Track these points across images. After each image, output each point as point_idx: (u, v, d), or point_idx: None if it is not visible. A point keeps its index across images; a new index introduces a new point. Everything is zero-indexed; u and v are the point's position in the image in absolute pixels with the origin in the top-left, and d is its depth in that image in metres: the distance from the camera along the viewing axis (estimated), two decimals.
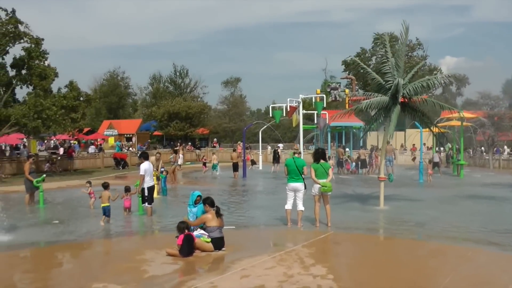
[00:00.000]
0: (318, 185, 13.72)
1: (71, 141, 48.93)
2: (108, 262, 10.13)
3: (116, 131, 63.22)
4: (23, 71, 33.52)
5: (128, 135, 64.43)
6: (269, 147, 41.11)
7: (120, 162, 39.02)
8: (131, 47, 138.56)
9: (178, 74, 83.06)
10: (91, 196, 17.51)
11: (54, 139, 51.95)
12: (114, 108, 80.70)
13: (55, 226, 14.31)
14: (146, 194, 15.54)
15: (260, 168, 36.87)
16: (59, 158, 37.93)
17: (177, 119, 59.11)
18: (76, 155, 40.02)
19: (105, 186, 15.71)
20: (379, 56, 70.08)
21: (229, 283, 8.42)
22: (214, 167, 32.76)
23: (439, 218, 15.38)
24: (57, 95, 32.83)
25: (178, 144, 47.31)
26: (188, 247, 10.40)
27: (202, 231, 10.96)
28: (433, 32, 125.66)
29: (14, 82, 33.68)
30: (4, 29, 31.77)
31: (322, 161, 13.99)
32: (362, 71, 71.21)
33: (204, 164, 33.84)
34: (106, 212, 14.69)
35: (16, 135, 40.68)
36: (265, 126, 38.15)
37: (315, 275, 8.87)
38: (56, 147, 48.83)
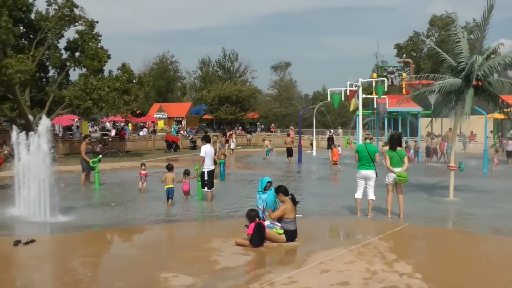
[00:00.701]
0: (393, 174, 12.74)
1: (122, 124, 49.03)
2: (175, 250, 9.47)
3: (165, 114, 63.48)
4: (77, 54, 33.56)
5: (177, 119, 64.52)
6: (328, 132, 39.53)
7: (171, 145, 38.72)
8: (180, 32, 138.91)
9: (227, 58, 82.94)
10: (142, 179, 16.89)
11: (106, 120, 52.21)
12: (163, 92, 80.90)
13: (114, 209, 13.88)
14: (206, 178, 14.89)
15: (314, 154, 35.78)
16: (110, 139, 37.96)
17: (227, 103, 58.50)
18: (128, 137, 39.96)
19: (169, 168, 15.25)
20: (436, 38, 68.15)
21: (309, 278, 7.64)
22: (267, 152, 32.19)
23: None
24: (109, 77, 32.70)
25: (226, 129, 46.75)
26: (259, 237, 9.68)
27: (275, 222, 10.20)
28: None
29: (68, 64, 33.73)
30: (60, 13, 31.75)
31: (398, 148, 13.02)
32: (416, 55, 70.41)
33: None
34: (170, 194, 14.34)
35: (68, 116, 41.10)
36: (314, 110, 36.79)
37: (401, 272, 8.00)
38: (107, 129, 49.17)
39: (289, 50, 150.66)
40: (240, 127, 52.45)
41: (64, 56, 33.66)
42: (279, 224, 10.10)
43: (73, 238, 10.53)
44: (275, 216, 10.20)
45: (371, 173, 12.97)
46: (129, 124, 54.28)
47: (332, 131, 41.41)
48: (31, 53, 30.21)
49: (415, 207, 14.26)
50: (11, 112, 32.29)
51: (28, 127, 28.99)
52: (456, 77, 16.38)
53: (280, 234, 9.98)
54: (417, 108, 35.98)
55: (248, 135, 49.68)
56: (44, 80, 35.86)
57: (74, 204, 13.82)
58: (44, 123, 12.45)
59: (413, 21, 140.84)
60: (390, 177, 12.84)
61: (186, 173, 15.68)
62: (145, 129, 47.76)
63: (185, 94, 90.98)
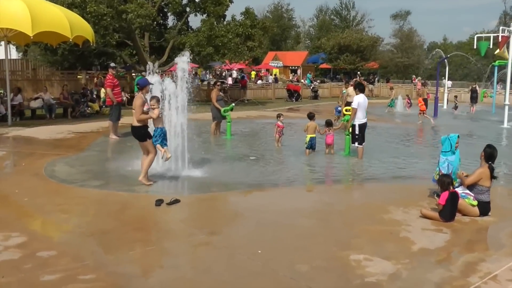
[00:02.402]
0: None
1: (242, 72, 47.69)
2: (352, 221, 7.52)
3: (281, 62, 61.61)
4: None
5: (293, 67, 62.59)
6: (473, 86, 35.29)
7: (293, 94, 36.94)
8: None
9: (344, 6, 79.52)
10: (278, 132, 14.95)
11: (223, 68, 51.19)
12: (277, 40, 78.98)
13: (254, 163, 12.27)
14: (357, 132, 12.88)
15: (445, 107, 32.30)
16: (228, 87, 36.73)
17: (347, 52, 55.48)
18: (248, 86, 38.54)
19: (311, 116, 13.83)
20: None
21: None
22: (391, 104, 29.48)
23: None
24: (232, 22, 31.13)
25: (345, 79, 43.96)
26: (451, 209, 7.64)
27: (467, 191, 8.09)
28: None
29: (188, 10, 32.55)
30: None
31: None
32: None
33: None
34: (313, 144, 13.31)
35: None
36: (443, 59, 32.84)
37: None
38: (223, 77, 48.11)
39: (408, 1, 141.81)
40: (362, 77, 49.31)
41: (184, 1, 32.38)
42: (472, 194, 8.02)
43: (220, 198, 9.02)
44: (469, 182, 8.12)
45: None
46: (252, 72, 52.85)
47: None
48: None
49: None
50: (130, 58, 31.86)
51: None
52: None
53: (474, 206, 7.92)
54: None
55: (370, 86, 46.68)
56: (163, 27, 35.10)
57: (209, 157, 12.31)
58: (182, 65, 10.89)
59: None
60: None
61: (329, 123, 13.82)
62: (259, 81, 45.85)
63: (298, 43, 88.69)
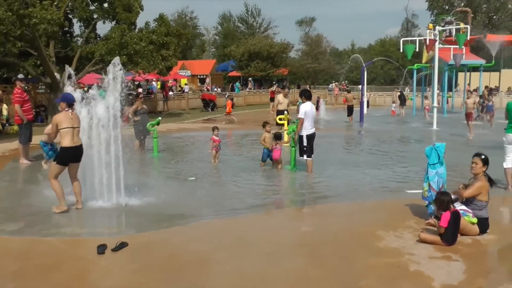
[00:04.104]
0: None
1: (153, 82, 45.27)
2: (349, 256, 6.19)
3: (189, 72, 59.97)
4: (105, 5, 29.87)
5: (201, 76, 61.08)
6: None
7: (209, 104, 35.47)
8: None
9: (250, 13, 79.22)
10: (215, 147, 13.42)
11: (131, 79, 48.53)
12: (183, 49, 77.01)
13: (196, 185, 10.74)
14: (305, 143, 11.74)
15: (365, 111, 32.17)
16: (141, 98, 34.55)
17: (258, 59, 54.61)
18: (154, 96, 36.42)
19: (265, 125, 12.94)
20: None
21: None
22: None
23: None
24: (145, 30, 29.18)
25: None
26: (454, 231, 6.64)
27: (464, 207, 7.13)
28: None
29: (96, 16, 30.16)
30: None
31: None
32: (448, 8, 66.22)
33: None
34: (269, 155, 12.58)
35: (93, 75, 37.73)
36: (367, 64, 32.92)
37: None
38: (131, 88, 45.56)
39: (313, 7, 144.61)
40: (277, 84, 48.62)
41: (91, 7, 29.94)
42: (470, 211, 7.06)
43: (177, 234, 7.29)
44: (468, 195, 7.23)
45: None
46: (159, 82, 50.58)
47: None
48: (55, 3, 26.61)
49: None
50: (34, 69, 28.97)
51: (54, 86, 25.87)
52: None
53: (474, 223, 7.02)
54: (479, 61, 32.73)
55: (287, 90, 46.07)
56: (68, 35, 32.40)
57: (144, 180, 10.60)
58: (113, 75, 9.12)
59: None
60: None
61: (278, 137, 12.60)
62: (170, 92, 43.74)
63: (204, 51, 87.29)
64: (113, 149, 8.73)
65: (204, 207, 8.84)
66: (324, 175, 11.63)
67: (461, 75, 36.19)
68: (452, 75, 34.15)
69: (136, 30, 29.58)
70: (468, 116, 19.31)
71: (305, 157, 11.83)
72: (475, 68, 35.47)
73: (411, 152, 15.45)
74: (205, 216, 8.26)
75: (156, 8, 59.16)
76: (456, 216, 6.67)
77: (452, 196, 7.04)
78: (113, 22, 29.52)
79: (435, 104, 22.44)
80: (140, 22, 30.19)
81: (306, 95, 12.10)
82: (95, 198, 8.78)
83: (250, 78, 55.45)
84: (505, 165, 10.01)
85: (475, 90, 37.58)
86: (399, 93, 31.77)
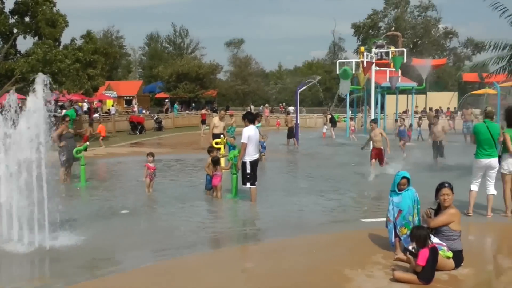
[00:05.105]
0: None
1: (78, 103, 43.16)
2: None
3: (115, 93, 58.15)
4: (26, 18, 28.04)
5: (128, 98, 59.40)
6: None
7: (136, 126, 34.03)
8: (125, 9, 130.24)
9: (177, 34, 78.36)
10: (149, 175, 12.31)
11: (55, 99, 46.18)
12: (109, 69, 74.82)
13: (133, 220, 9.68)
14: (248, 170, 10.92)
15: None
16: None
17: (186, 80, 53.51)
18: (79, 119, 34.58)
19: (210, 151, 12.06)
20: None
21: None
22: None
23: None
24: (71, 46, 27.53)
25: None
26: (432, 268, 6.11)
27: (438, 240, 6.59)
28: None
29: (16, 31, 28.21)
30: None
31: None
32: (373, 33, 68.30)
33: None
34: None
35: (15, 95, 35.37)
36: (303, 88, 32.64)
37: None
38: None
39: (240, 29, 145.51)
40: (207, 106, 47.66)
41: (11, 21, 27.92)
42: (444, 244, 6.51)
43: (116, 284, 6.25)
44: (437, 224, 6.74)
45: (494, 161, 9.72)
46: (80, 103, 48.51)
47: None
48: None
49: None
50: None
51: None
52: None
53: (449, 258, 6.48)
54: (411, 83, 33.39)
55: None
56: None
57: (69, 215, 9.21)
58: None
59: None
60: (511, 164, 9.66)
61: (215, 161, 11.73)
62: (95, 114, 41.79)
63: (130, 72, 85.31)
64: (35, 178, 7.53)
65: (142, 247, 7.84)
66: (269, 204, 10.93)
67: (388, 97, 36.70)
68: (380, 97, 34.54)
69: (61, 47, 27.85)
70: (434, 145, 17.27)
71: (248, 185, 11.00)
72: (402, 91, 36.13)
73: (353, 176, 15.00)
74: (144, 259, 7.25)
75: (80, 26, 57.23)
76: (434, 252, 6.15)
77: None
78: (36, 38, 27.75)
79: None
80: (64, 39, 28.36)
81: (249, 118, 11.30)
82: (12, 240, 7.54)
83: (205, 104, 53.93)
84: (472, 188, 9.83)
85: (405, 112, 38.43)
86: (330, 116, 31.73)
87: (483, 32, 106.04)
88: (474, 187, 9.80)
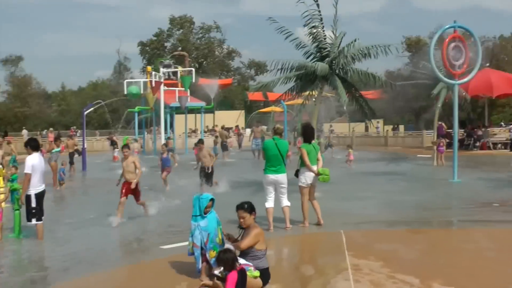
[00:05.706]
0: (311, 174, 10.22)
1: None
2: None
3: None
4: None
5: None
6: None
7: None
8: None
9: None
10: None
11: None
12: None
13: None
14: (34, 204, 9.90)
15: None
16: None
17: None
18: None
19: None
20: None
21: None
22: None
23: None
24: None
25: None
26: None
27: (244, 261, 6.61)
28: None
29: None
30: None
31: (312, 141, 10.57)
32: (159, 52, 68.88)
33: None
34: None
35: None
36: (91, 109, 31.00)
37: None
38: None
39: (17, 45, 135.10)
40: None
41: None
42: (251, 264, 6.60)
43: None
44: (246, 246, 6.74)
45: (281, 177, 10.16)
46: None
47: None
48: None
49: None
50: None
51: None
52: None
53: (256, 277, 6.55)
54: (200, 103, 34.17)
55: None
56: None
57: None
58: None
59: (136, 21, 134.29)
60: (309, 177, 10.27)
61: None
62: None
63: None
64: None
65: None
66: (58, 241, 10.06)
67: (177, 117, 37.14)
68: (169, 117, 34.69)
69: None
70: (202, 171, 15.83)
71: (34, 221, 9.98)
72: (190, 110, 36.85)
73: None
74: None
75: None
76: (243, 274, 6.19)
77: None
78: None
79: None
80: None
81: (32, 145, 10.17)
82: None
83: None
84: (267, 205, 10.05)
85: (194, 131, 39.26)
86: (114, 137, 31.07)
87: (264, 53, 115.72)
88: (269, 203, 10.08)
